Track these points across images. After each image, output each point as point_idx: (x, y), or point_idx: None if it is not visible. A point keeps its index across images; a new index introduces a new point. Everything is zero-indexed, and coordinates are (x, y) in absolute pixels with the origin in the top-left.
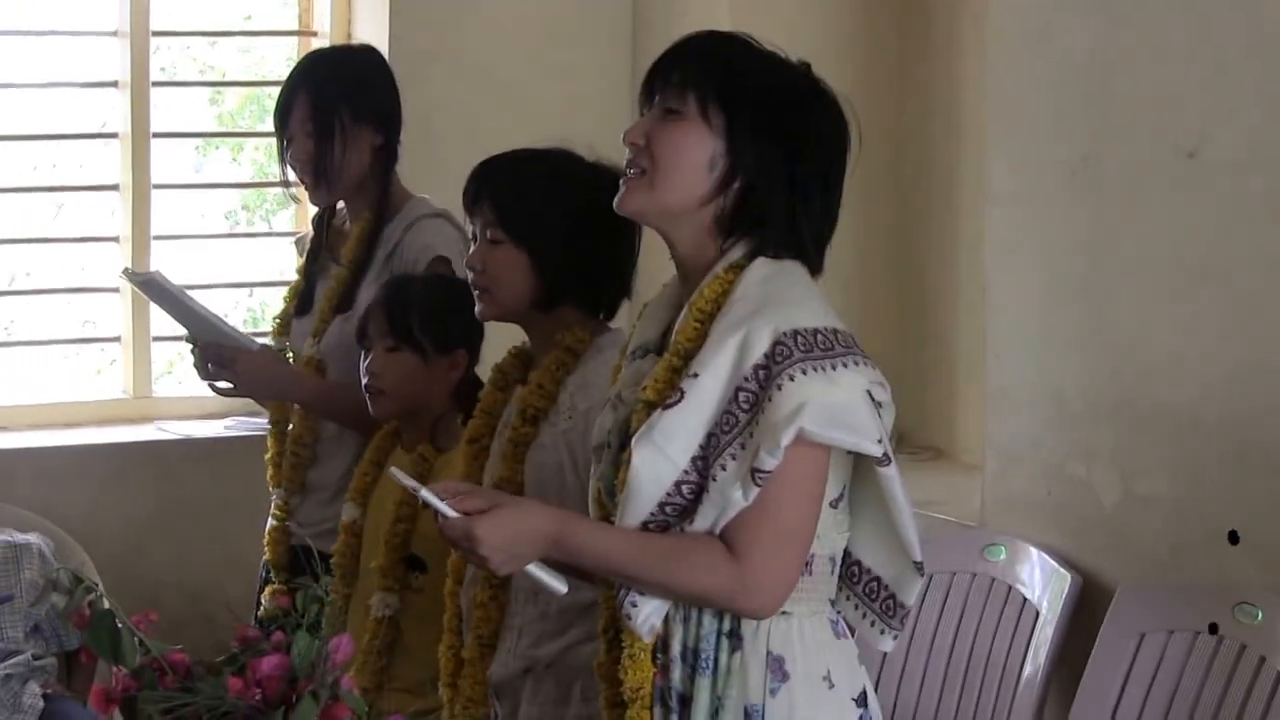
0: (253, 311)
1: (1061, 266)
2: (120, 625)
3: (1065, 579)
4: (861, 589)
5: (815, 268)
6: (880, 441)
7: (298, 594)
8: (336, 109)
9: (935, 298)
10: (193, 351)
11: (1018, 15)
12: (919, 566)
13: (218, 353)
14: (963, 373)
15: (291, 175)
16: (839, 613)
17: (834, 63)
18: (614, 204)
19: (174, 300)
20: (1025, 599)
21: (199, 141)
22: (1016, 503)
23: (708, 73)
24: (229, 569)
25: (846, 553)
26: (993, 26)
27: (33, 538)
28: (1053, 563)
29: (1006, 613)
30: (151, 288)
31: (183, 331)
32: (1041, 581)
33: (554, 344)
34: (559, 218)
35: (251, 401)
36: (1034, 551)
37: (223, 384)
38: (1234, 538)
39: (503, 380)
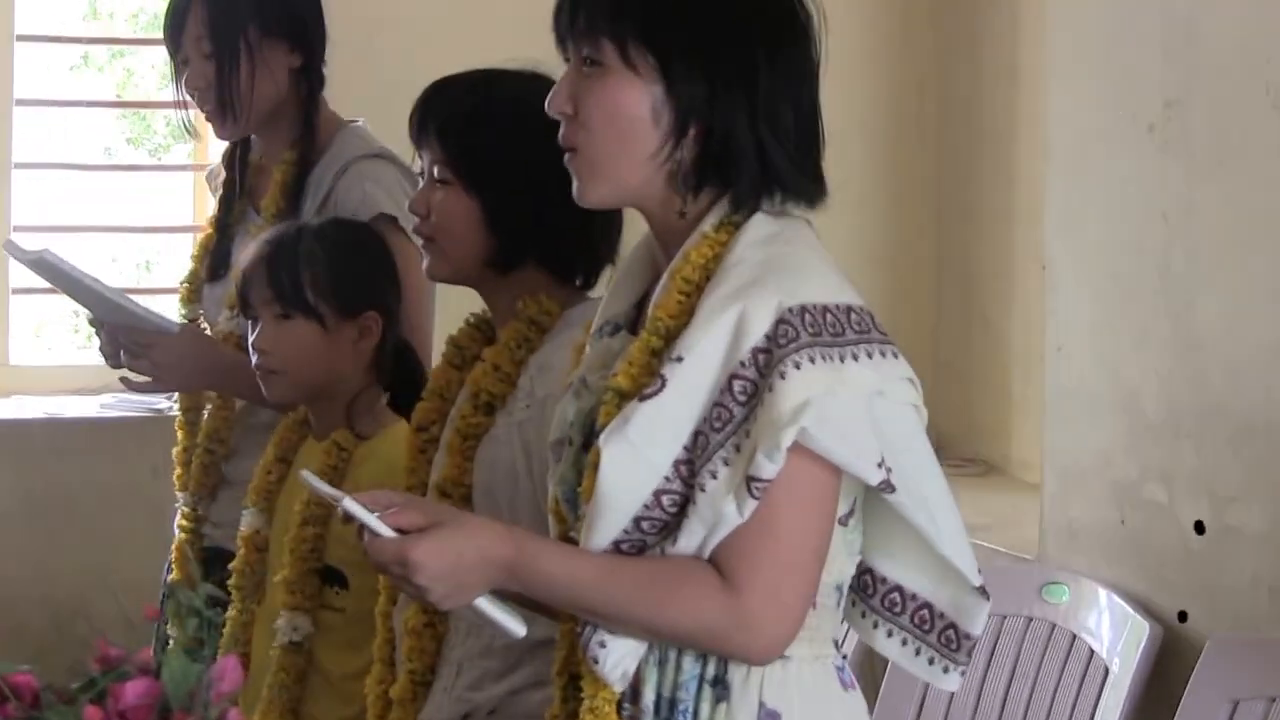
0: (140, 266)
1: (1137, 242)
2: None
3: (1142, 628)
4: (910, 620)
5: (813, 197)
6: (881, 464)
7: (167, 603)
8: (240, 23)
9: (985, 279)
10: (98, 335)
11: None
12: (982, 591)
13: (130, 337)
14: (1019, 371)
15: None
16: (845, 657)
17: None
18: (574, 196)
19: (70, 280)
20: (1092, 651)
21: (76, 58)
22: (1082, 532)
23: (617, 9)
24: (105, 581)
25: (883, 578)
26: None
27: None
28: (1126, 607)
29: (1069, 668)
30: (42, 267)
31: (60, 292)
32: (1112, 630)
33: (515, 315)
34: (522, 157)
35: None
36: (1103, 593)
37: (138, 376)
38: None
39: (459, 357)
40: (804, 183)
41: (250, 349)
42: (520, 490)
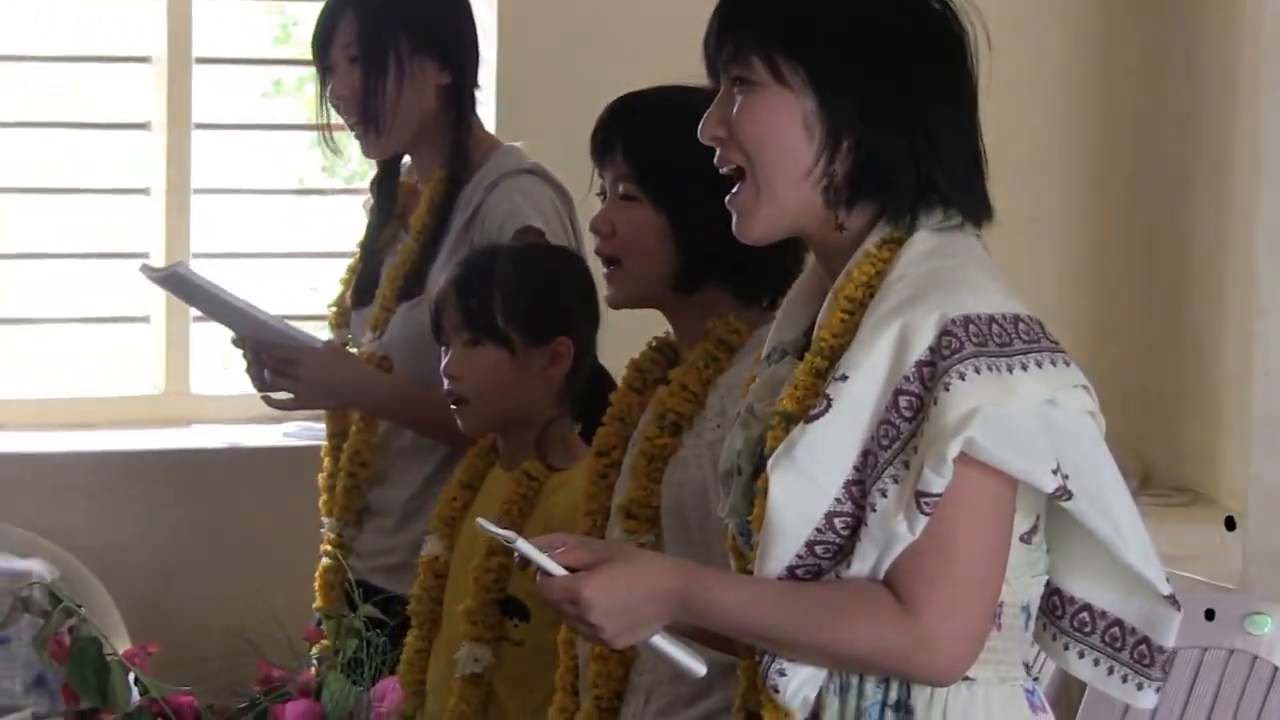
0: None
1: None
2: (110, 659)
3: None
4: (1100, 639)
5: (977, 213)
6: (1056, 471)
7: (326, 624)
8: (391, 34)
9: (1197, 303)
10: (244, 356)
11: None
12: (1172, 600)
13: (275, 354)
14: (1229, 398)
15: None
16: (1035, 679)
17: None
18: (734, 233)
19: (208, 296)
20: None
21: (268, 86)
22: None
23: (764, 24)
24: (280, 610)
25: (1071, 598)
26: None
27: (34, 565)
28: None
29: (1270, 701)
30: (177, 283)
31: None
32: None
33: (703, 334)
34: (710, 173)
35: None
36: None
37: (282, 394)
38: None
39: (641, 381)
40: (965, 198)
41: (442, 375)
42: (713, 511)
